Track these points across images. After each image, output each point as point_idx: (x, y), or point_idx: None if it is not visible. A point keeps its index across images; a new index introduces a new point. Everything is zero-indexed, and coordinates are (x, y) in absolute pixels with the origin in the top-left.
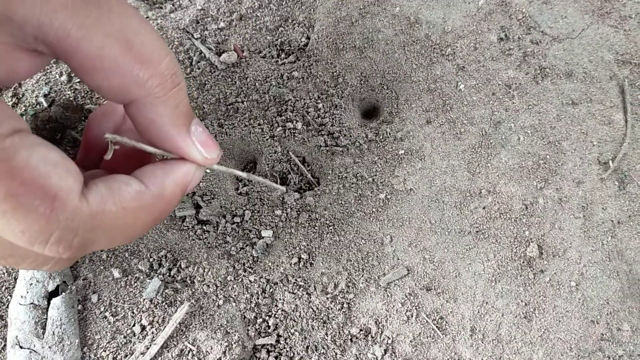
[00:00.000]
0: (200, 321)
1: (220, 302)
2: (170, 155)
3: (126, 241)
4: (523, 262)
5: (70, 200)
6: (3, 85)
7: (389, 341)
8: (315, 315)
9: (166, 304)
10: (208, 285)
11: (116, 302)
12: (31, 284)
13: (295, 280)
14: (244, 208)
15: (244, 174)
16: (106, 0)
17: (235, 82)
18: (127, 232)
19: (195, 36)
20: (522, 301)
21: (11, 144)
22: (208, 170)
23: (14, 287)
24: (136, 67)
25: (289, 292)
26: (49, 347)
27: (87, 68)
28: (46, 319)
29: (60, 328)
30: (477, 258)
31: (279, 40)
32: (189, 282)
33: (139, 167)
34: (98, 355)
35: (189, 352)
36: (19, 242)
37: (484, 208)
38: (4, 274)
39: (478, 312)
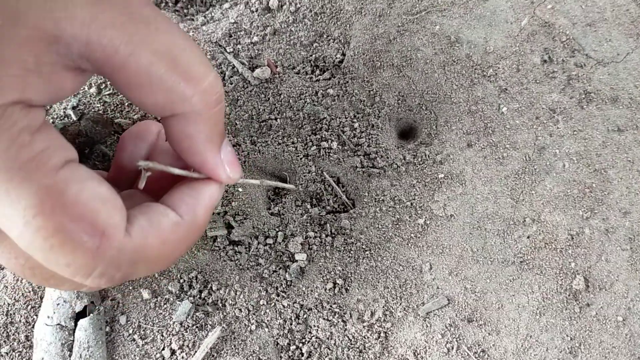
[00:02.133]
0: (232, 346)
1: (253, 327)
2: (195, 175)
3: (163, 269)
4: (569, 295)
5: (116, 237)
6: (51, 104)
7: None
8: (351, 344)
9: (197, 327)
10: (240, 309)
11: (145, 324)
12: (58, 304)
13: (330, 306)
14: (277, 229)
15: (257, 182)
16: (153, 17)
17: (269, 99)
18: (165, 261)
19: (227, 50)
20: (567, 335)
21: (63, 177)
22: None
23: (40, 306)
24: (182, 84)
25: (324, 318)
26: None
27: (133, 84)
28: (73, 340)
29: (88, 351)
30: (521, 289)
31: (314, 56)
32: (220, 305)
33: (169, 182)
34: None
35: None
36: (62, 273)
37: (528, 237)
38: (30, 292)
39: (522, 345)
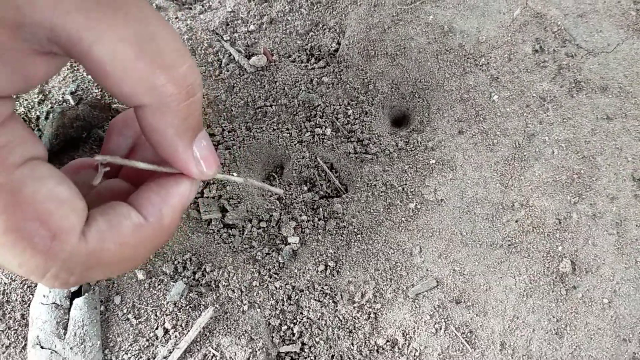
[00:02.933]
0: (225, 326)
1: (245, 307)
2: (166, 170)
3: (124, 272)
4: (555, 278)
5: (69, 240)
6: (20, 92)
7: (416, 353)
8: (342, 324)
9: (190, 307)
10: (233, 290)
11: (139, 304)
12: None
13: (322, 288)
14: (270, 213)
15: (240, 179)
16: (123, 2)
17: (264, 86)
18: (125, 265)
19: (224, 38)
20: (553, 317)
21: (20, 175)
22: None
23: (36, 285)
24: (149, 73)
25: (315, 299)
26: (70, 348)
27: (99, 72)
28: (68, 319)
29: (82, 329)
30: (508, 272)
31: (309, 44)
32: (213, 286)
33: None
34: (120, 358)
35: (212, 357)
36: (15, 272)
37: (516, 221)
38: None
39: (508, 327)
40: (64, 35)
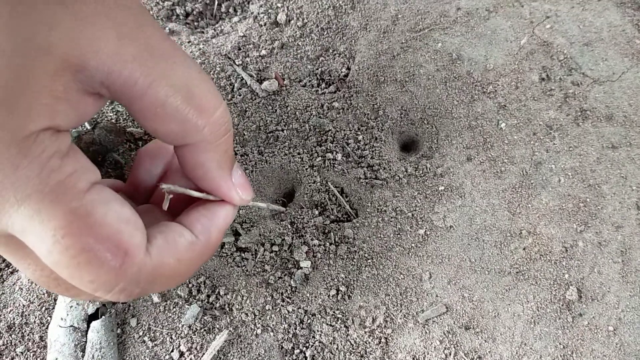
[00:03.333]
0: (238, 349)
1: (259, 331)
2: (211, 197)
3: (177, 285)
4: (562, 305)
5: (137, 256)
6: (73, 128)
7: None
8: (353, 349)
9: (205, 330)
10: (246, 314)
11: (155, 327)
12: (71, 307)
13: (334, 312)
14: (282, 237)
15: (264, 205)
16: (171, 52)
17: (276, 110)
18: (179, 278)
19: (237, 63)
20: (560, 344)
21: (90, 200)
22: None
23: (53, 308)
24: (195, 116)
25: (327, 324)
26: None
27: (149, 114)
28: (85, 341)
29: (100, 351)
30: (516, 299)
31: (320, 69)
32: (227, 309)
33: (183, 200)
34: None
35: None
36: (84, 288)
37: (524, 249)
38: (44, 294)
39: (516, 353)
40: (119, 81)
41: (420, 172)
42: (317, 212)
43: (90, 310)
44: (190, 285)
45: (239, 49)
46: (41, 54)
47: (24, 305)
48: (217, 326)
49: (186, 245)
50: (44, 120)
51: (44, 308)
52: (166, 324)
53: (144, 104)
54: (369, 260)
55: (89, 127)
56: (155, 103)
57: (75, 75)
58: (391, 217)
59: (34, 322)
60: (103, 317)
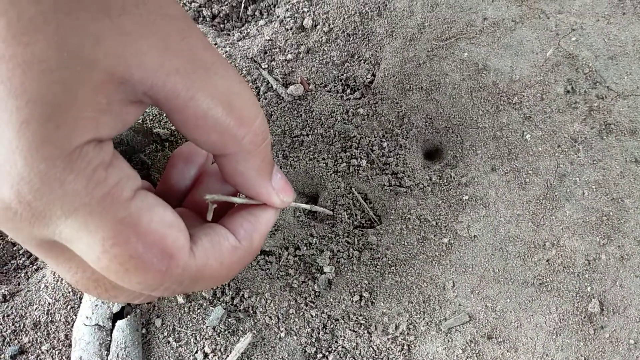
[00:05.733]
0: (262, 352)
1: (282, 334)
2: (253, 202)
3: (216, 286)
4: (584, 317)
5: (182, 258)
6: (114, 136)
7: None
8: (376, 355)
9: (229, 332)
10: (270, 317)
11: (179, 327)
12: (96, 305)
13: (357, 318)
14: (306, 241)
15: (307, 206)
16: (212, 62)
17: (301, 115)
18: (220, 280)
19: (262, 66)
20: (581, 355)
21: (135, 208)
22: None
23: (79, 306)
24: (235, 127)
25: (350, 329)
26: None
27: (191, 124)
28: (110, 340)
29: (124, 351)
30: (539, 310)
31: (345, 75)
32: (251, 312)
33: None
34: None
35: None
36: (131, 288)
37: (547, 261)
38: (69, 292)
39: None
40: (162, 93)
41: (445, 180)
42: (340, 218)
43: (116, 309)
44: (214, 288)
45: (265, 53)
46: (86, 68)
47: (49, 304)
48: (241, 328)
49: (229, 248)
50: (89, 133)
51: (69, 306)
52: (191, 325)
53: (186, 115)
54: (392, 267)
55: None
56: (197, 115)
57: (118, 87)
58: (415, 225)
59: (60, 320)
60: (128, 316)
